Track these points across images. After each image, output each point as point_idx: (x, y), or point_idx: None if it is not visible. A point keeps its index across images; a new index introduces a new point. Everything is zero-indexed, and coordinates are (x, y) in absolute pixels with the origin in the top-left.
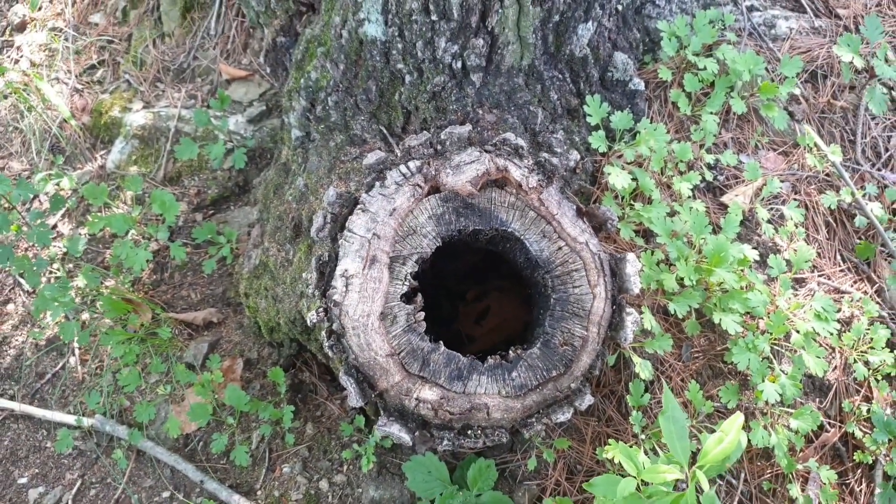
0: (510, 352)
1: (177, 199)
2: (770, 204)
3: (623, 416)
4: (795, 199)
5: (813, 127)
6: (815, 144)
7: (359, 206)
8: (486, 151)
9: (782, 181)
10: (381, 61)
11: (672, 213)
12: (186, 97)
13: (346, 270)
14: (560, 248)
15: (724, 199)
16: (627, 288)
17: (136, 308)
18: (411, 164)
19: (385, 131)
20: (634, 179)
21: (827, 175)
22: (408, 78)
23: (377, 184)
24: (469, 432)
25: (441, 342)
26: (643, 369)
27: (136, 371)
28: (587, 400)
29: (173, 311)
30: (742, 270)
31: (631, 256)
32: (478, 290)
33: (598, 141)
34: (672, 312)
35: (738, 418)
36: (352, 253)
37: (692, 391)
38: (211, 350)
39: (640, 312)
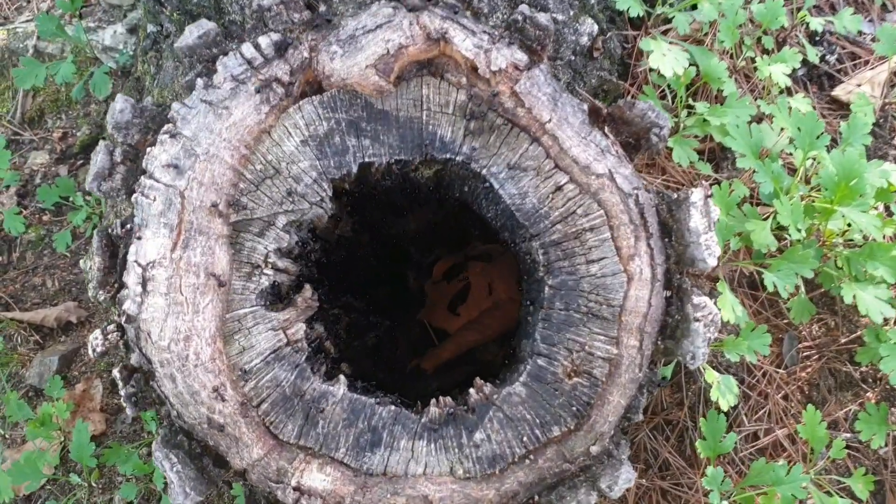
0: (473, 392)
1: (37, 146)
2: None
3: (687, 460)
4: None
5: None
6: None
7: (165, 129)
8: (407, 8)
9: None
10: None
11: (758, 118)
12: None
13: (142, 255)
14: (558, 190)
15: (838, 91)
16: (694, 257)
17: None
18: (264, 42)
19: None
20: (693, 63)
21: None
22: None
23: (200, 81)
24: None
25: (340, 378)
26: (724, 393)
27: None
28: (624, 476)
29: (18, 307)
30: (886, 209)
31: (698, 195)
32: (451, 261)
33: (628, 1)
34: (768, 286)
35: None
36: (152, 220)
37: (808, 420)
38: (64, 365)
39: (715, 294)
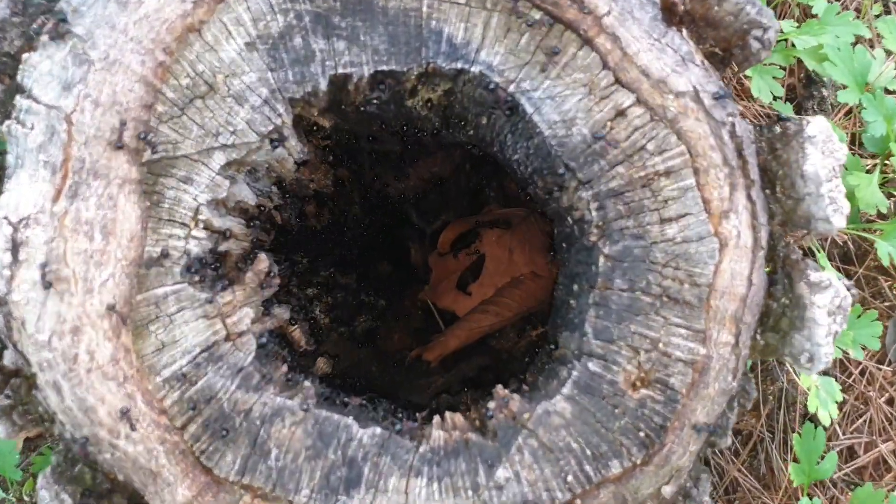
0: (493, 407)
1: None
2: None
3: (761, 480)
4: None
5: None
6: None
7: (48, 26)
8: None
9: None
10: None
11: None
12: None
13: (11, 208)
14: (619, 116)
15: None
16: (810, 215)
17: None
18: None
19: None
20: None
21: None
22: None
23: None
24: None
25: (303, 386)
26: (824, 402)
27: None
28: None
29: None
30: None
31: (818, 126)
32: (460, 228)
33: None
34: (881, 258)
35: None
36: (29, 158)
37: None
38: None
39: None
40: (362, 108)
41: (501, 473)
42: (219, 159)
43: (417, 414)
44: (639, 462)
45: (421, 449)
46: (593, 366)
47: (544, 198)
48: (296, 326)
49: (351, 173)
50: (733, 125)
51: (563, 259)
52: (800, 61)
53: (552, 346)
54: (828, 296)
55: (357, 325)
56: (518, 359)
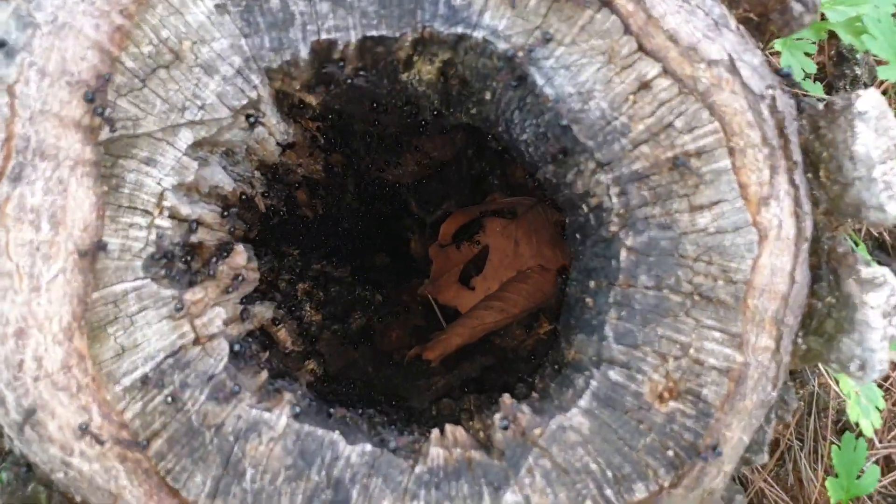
0: (499, 421)
1: None
2: None
3: (789, 491)
4: None
5: None
6: None
7: None
8: None
9: None
10: None
11: None
12: None
13: None
14: (644, 88)
15: None
16: (861, 202)
17: None
18: None
19: None
20: None
21: None
22: None
23: None
24: None
25: (283, 398)
26: (866, 410)
27: None
28: None
29: None
30: None
31: (870, 100)
32: (462, 218)
33: None
34: None
35: None
36: None
37: None
38: None
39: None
40: (351, 82)
41: (510, 498)
42: (186, 138)
43: (414, 424)
44: (667, 485)
45: (417, 469)
46: (615, 375)
47: (556, 183)
48: (281, 325)
49: (344, 158)
50: (773, 99)
51: (577, 252)
52: (831, 36)
53: (564, 347)
54: (882, 294)
55: (352, 322)
56: (525, 359)
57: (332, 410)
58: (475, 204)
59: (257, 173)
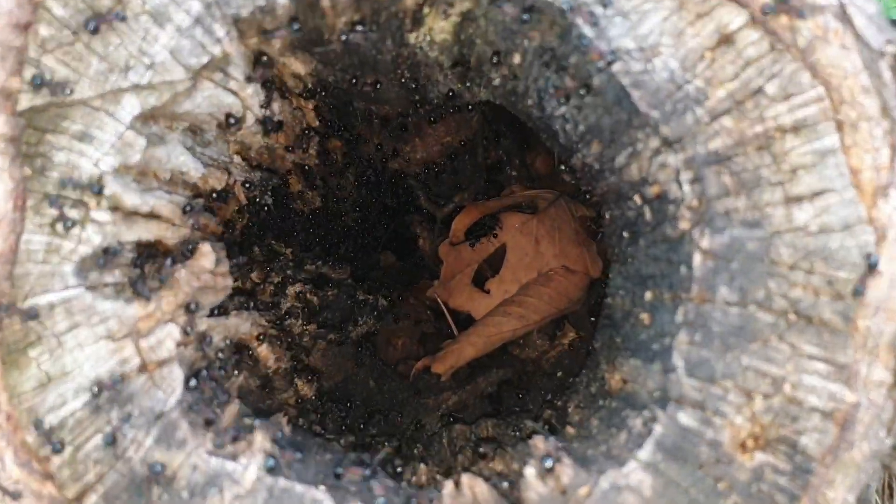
0: (531, 479)
1: None
2: None
3: None
4: None
5: None
6: None
7: None
8: None
9: None
10: None
11: None
12: None
13: None
14: (725, 42)
15: None
16: None
17: None
18: None
19: None
20: None
21: None
22: None
23: None
24: None
25: (253, 440)
26: None
27: None
28: None
29: None
30: None
31: None
32: (477, 212)
33: None
34: None
35: None
36: None
37: None
38: None
39: None
40: (346, 39)
41: None
42: (130, 106)
43: (422, 464)
44: None
45: None
46: (686, 418)
47: (599, 169)
48: (263, 341)
49: (344, 143)
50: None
51: (622, 254)
52: None
53: (605, 370)
54: None
55: (351, 331)
56: (547, 373)
57: (339, 471)
58: (491, 197)
59: (237, 158)
